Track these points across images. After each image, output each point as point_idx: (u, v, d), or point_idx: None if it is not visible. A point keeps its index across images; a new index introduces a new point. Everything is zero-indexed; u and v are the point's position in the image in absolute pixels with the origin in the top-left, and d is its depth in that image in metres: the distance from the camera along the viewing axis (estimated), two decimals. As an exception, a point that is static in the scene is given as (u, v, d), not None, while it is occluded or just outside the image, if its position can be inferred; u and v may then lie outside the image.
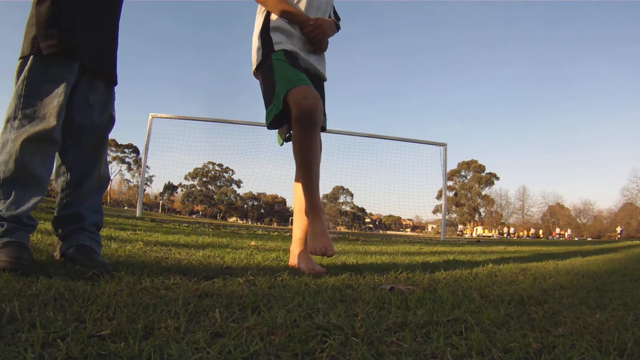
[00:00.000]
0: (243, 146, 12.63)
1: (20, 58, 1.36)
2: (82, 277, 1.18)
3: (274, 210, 57.80)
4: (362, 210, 58.67)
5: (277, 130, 1.94)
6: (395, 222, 63.92)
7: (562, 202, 52.19)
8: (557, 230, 43.75)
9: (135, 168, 52.18)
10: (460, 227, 49.37)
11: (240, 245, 2.98)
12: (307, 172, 1.71)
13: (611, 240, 24.37)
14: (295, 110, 1.64)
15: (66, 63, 1.37)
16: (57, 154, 1.50)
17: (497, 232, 47.33)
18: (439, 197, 27.94)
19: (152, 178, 38.33)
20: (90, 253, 1.44)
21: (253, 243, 3.32)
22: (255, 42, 1.90)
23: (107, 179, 1.62)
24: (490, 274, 1.92)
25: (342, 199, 58.98)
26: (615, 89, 66.61)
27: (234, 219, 55.05)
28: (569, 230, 43.55)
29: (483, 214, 53.68)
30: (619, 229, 36.38)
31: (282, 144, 1.96)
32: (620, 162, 66.36)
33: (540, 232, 46.39)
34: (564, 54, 69.97)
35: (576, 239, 32.35)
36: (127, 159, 52.85)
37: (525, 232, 46.05)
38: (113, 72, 1.58)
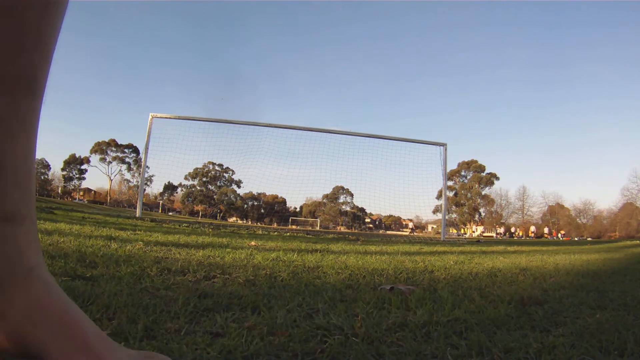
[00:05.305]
0: (243, 146, 12.66)
1: None
2: (82, 277, 1.18)
3: (274, 210, 57.77)
4: (362, 210, 58.65)
5: None
6: (395, 222, 63.88)
7: (562, 202, 52.34)
8: (532, 228, 44.37)
9: (135, 168, 52.20)
10: (455, 232, 49.35)
11: (240, 245, 2.97)
12: None
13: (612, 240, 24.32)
14: None
15: None
16: None
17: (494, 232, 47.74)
18: (439, 197, 27.95)
19: (152, 178, 38.36)
20: None
21: (253, 243, 3.31)
22: None
23: None
24: (490, 274, 1.92)
25: (342, 199, 59.01)
26: (616, 91, 66.69)
27: (234, 219, 55.05)
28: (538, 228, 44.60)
29: (483, 214, 53.66)
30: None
31: None
32: (620, 162, 66.46)
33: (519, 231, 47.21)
34: (564, 56, 70.07)
35: (576, 239, 32.32)
36: (127, 159, 52.89)
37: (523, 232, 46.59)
38: None
